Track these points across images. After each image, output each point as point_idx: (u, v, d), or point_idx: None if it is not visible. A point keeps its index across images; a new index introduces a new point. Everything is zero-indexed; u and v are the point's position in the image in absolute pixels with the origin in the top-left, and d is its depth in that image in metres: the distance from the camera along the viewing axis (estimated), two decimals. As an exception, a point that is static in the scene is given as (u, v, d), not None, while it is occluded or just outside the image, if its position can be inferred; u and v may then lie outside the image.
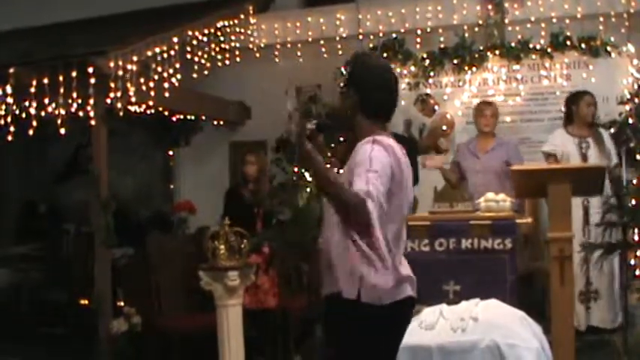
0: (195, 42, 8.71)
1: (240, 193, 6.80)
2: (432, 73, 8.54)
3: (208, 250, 5.38)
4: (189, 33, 8.51)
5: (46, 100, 7.05)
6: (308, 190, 7.71)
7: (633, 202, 6.29)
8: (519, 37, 8.51)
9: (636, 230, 6.28)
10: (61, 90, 6.95)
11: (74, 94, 7.00)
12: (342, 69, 3.12)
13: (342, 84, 3.11)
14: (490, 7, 8.71)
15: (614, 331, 6.81)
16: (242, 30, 9.75)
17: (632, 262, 6.57)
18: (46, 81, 7.00)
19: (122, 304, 7.24)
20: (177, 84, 8.10)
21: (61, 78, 6.95)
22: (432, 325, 5.03)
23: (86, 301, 8.08)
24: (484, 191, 6.54)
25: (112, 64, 7.01)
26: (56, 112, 7.08)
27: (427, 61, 8.55)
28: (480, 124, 7.36)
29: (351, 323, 2.96)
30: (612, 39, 8.15)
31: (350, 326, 2.97)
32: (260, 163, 7.08)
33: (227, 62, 9.60)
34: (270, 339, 6.84)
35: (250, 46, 9.82)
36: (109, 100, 7.12)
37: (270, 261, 6.70)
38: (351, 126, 3.09)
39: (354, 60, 3.22)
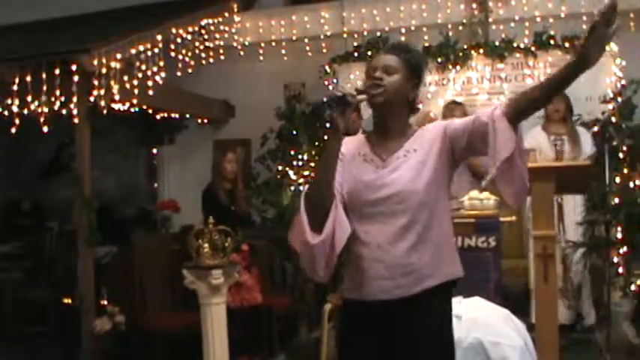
0: (179, 40, 8.70)
1: (217, 193, 6.77)
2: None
3: (192, 249, 5.36)
4: (173, 31, 8.49)
5: (29, 98, 7.01)
6: (292, 188, 7.72)
7: (616, 200, 6.31)
8: (503, 35, 8.54)
9: (619, 228, 6.31)
10: (44, 88, 6.92)
11: (57, 92, 6.96)
12: (395, 57, 2.99)
13: (401, 65, 2.97)
14: (474, 5, 8.74)
15: (590, 329, 6.86)
16: (226, 28, 9.74)
17: (615, 259, 6.60)
18: (28, 79, 6.97)
19: (106, 302, 7.21)
20: (161, 82, 8.07)
21: (44, 76, 6.92)
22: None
23: (69, 300, 8.04)
24: (459, 188, 6.55)
25: (95, 62, 6.98)
26: (39, 110, 7.04)
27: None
28: None
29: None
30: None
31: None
32: (239, 161, 7.05)
33: (211, 60, 9.59)
34: (254, 337, 6.83)
35: (234, 44, 9.81)
36: (92, 98, 7.08)
37: (252, 260, 6.68)
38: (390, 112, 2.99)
39: (413, 49, 3.13)
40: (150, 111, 9.05)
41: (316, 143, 8.24)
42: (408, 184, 2.84)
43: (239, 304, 6.46)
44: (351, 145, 3.04)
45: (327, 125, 2.87)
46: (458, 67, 8.54)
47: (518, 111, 2.75)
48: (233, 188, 6.84)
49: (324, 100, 2.83)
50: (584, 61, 2.66)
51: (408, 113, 3.03)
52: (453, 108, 7.37)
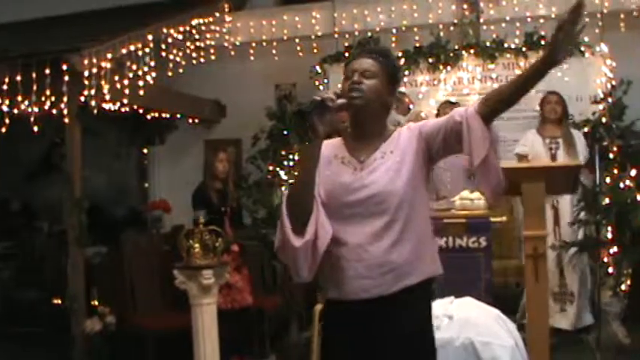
0: (170, 40, 8.69)
1: (208, 193, 6.75)
2: (407, 72, 8.57)
3: (183, 249, 5.36)
4: (164, 31, 8.49)
5: (19, 98, 6.99)
6: (283, 188, 7.72)
7: (607, 200, 6.32)
8: (494, 36, 8.56)
9: (609, 228, 6.32)
10: (35, 87, 6.90)
11: (48, 92, 6.94)
12: (373, 61, 3.03)
13: (380, 70, 2.99)
14: (465, 6, 8.75)
15: (585, 329, 6.85)
16: (217, 28, 9.73)
17: (605, 259, 6.61)
18: (19, 78, 6.95)
19: (96, 303, 7.19)
20: (151, 82, 8.07)
21: (34, 75, 6.90)
22: (406, 323, 5.03)
23: (59, 300, 8.02)
24: (453, 189, 6.58)
25: (86, 62, 6.97)
26: (29, 109, 7.03)
27: (402, 60, 8.57)
28: None
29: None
30: (586, 39, 8.20)
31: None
32: (230, 160, 7.04)
33: (202, 60, 9.58)
34: (245, 338, 6.82)
35: (225, 44, 9.81)
36: (83, 98, 7.07)
37: (243, 260, 6.67)
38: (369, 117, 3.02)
39: (391, 55, 3.14)
40: (140, 111, 9.03)
41: (307, 143, 8.25)
42: (386, 185, 2.87)
43: (229, 306, 6.45)
44: (327, 148, 3.06)
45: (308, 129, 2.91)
46: (449, 68, 8.57)
47: (491, 109, 2.81)
48: (224, 188, 6.83)
49: (302, 107, 2.87)
50: (551, 59, 2.74)
51: (385, 116, 3.06)
52: (446, 107, 7.40)
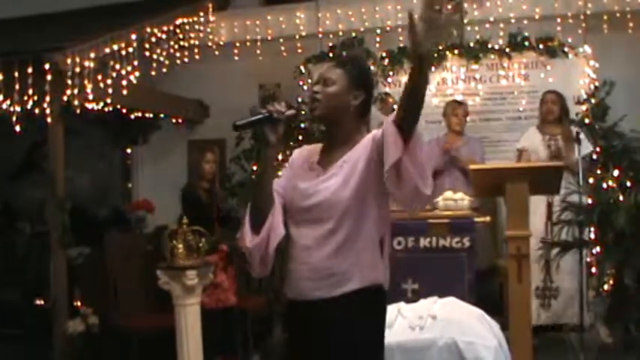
0: (153, 39, 8.65)
1: (196, 192, 6.74)
2: (391, 72, 8.58)
3: (166, 250, 5.34)
4: (148, 30, 8.45)
5: (1, 97, 6.95)
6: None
7: (589, 200, 6.35)
8: (478, 37, 8.57)
9: (592, 228, 6.35)
10: (17, 86, 6.86)
11: (30, 91, 6.90)
12: (335, 67, 3.04)
13: (341, 76, 3.01)
14: (449, 7, 8.76)
15: (572, 328, 6.87)
16: (201, 28, 9.70)
17: (588, 259, 6.64)
18: (0, 77, 6.90)
19: (79, 304, 7.16)
20: (135, 82, 8.03)
21: (16, 74, 6.86)
22: (390, 323, 5.02)
23: (42, 302, 7.99)
24: (451, 189, 6.62)
25: (68, 61, 6.94)
26: (11, 108, 6.98)
27: (386, 60, 8.58)
28: (452, 122, 7.46)
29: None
30: (569, 40, 8.25)
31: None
32: (217, 161, 7.03)
33: (186, 60, 9.54)
34: (228, 338, 6.80)
35: (209, 44, 9.78)
36: (65, 98, 7.03)
37: (228, 260, 6.66)
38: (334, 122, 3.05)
39: (358, 60, 3.21)
40: (124, 111, 8.98)
41: (291, 143, 8.21)
42: (333, 193, 2.93)
43: (214, 305, 6.44)
44: (304, 153, 3.19)
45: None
46: (433, 68, 8.56)
47: (402, 113, 2.78)
48: (211, 188, 6.82)
49: (244, 122, 3.04)
50: (415, 53, 2.66)
51: (354, 122, 3.07)
52: (455, 107, 7.48)
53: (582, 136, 6.84)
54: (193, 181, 6.81)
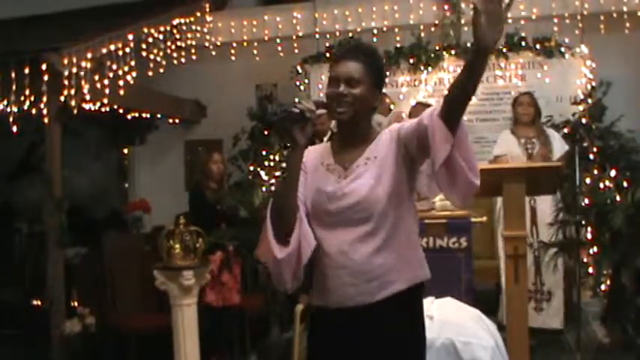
0: (150, 39, 8.65)
1: (204, 193, 6.76)
2: (387, 73, 8.57)
3: (163, 250, 5.34)
4: (145, 30, 8.45)
5: (-2, 97, 6.96)
6: (264, 188, 7.70)
7: (586, 201, 6.35)
8: (474, 37, 8.57)
9: (589, 229, 6.35)
10: (14, 87, 6.86)
11: (27, 92, 6.90)
12: (358, 64, 2.96)
13: (365, 74, 2.90)
14: (446, 7, 8.78)
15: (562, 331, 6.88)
16: (198, 28, 9.71)
17: (585, 260, 6.64)
18: (-3, 78, 6.91)
19: (76, 304, 7.15)
20: (132, 82, 8.03)
21: (13, 75, 6.86)
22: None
23: (39, 302, 7.98)
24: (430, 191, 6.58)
25: (65, 61, 6.93)
26: (8, 109, 6.98)
27: (383, 60, 8.57)
28: None
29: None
30: (566, 40, 8.27)
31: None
32: (224, 161, 7.06)
33: (183, 60, 9.55)
34: (226, 337, 6.81)
35: (206, 44, 9.79)
36: (62, 98, 7.03)
37: (227, 260, 6.66)
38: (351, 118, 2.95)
39: (377, 56, 3.05)
40: (121, 111, 8.99)
41: (287, 144, 8.24)
42: (368, 193, 2.83)
43: (219, 304, 6.47)
44: (314, 154, 3.05)
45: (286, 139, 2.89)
46: (430, 68, 8.59)
47: (449, 108, 2.68)
48: (219, 188, 6.84)
49: (279, 116, 2.83)
50: (479, 46, 2.54)
51: (370, 118, 3.03)
52: (419, 109, 7.41)
53: (554, 136, 6.88)
54: (201, 182, 6.83)
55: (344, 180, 2.91)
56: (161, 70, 8.98)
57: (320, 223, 2.91)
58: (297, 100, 2.93)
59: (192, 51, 9.67)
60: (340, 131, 3.05)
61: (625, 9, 8.33)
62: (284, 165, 8.45)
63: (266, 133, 9.04)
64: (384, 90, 3.11)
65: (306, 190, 2.95)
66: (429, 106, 7.38)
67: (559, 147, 6.93)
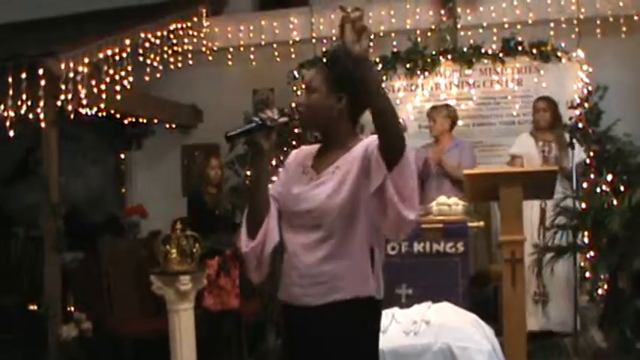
0: (147, 44, 8.64)
1: (203, 198, 6.77)
2: (384, 77, 8.57)
3: (160, 255, 5.34)
4: (142, 35, 8.45)
5: (-5, 102, 6.95)
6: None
7: (583, 205, 6.35)
8: (471, 41, 8.58)
9: (586, 233, 6.35)
10: (11, 91, 6.85)
11: (24, 96, 6.90)
12: (316, 73, 3.02)
13: (322, 82, 2.96)
14: (443, 12, 8.78)
15: (566, 335, 6.86)
16: (195, 33, 9.70)
17: (582, 264, 6.64)
18: (-5, 82, 6.90)
19: (72, 309, 7.14)
20: (129, 86, 8.03)
21: (10, 79, 6.85)
22: (384, 328, 5.01)
23: (35, 307, 7.96)
24: (437, 194, 6.60)
25: (62, 66, 6.93)
26: (5, 113, 6.98)
27: (380, 65, 8.57)
28: (430, 129, 7.42)
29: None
30: (562, 44, 8.27)
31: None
32: (222, 166, 7.06)
33: (179, 65, 9.54)
34: (224, 342, 6.80)
35: (203, 49, 9.78)
36: (59, 103, 7.03)
37: (224, 264, 6.66)
38: (322, 126, 3.03)
39: (339, 60, 2.98)
40: (118, 116, 8.99)
41: (285, 149, 8.22)
42: (324, 201, 2.89)
43: (217, 308, 6.47)
44: (301, 155, 3.14)
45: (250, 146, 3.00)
46: (426, 73, 8.59)
47: (379, 139, 2.71)
48: (218, 193, 6.85)
49: (236, 132, 2.97)
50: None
51: (345, 125, 3.01)
52: (429, 112, 7.42)
53: (576, 142, 6.86)
54: (200, 187, 6.84)
55: (311, 184, 2.98)
56: (158, 75, 8.98)
57: (287, 223, 3.03)
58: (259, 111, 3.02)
59: (189, 56, 9.67)
60: (321, 136, 3.13)
61: (621, 13, 8.33)
62: (280, 169, 8.45)
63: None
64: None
65: (282, 189, 3.06)
66: (434, 107, 7.42)
67: (577, 153, 6.89)
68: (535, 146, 7.04)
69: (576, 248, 6.27)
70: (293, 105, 3.02)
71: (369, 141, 2.89)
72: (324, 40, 9.23)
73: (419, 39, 8.77)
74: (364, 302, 2.93)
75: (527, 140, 7.15)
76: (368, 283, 2.94)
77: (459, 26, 8.76)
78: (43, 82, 6.87)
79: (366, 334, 3.00)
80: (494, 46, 8.48)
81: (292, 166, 3.10)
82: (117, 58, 7.79)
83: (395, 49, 8.75)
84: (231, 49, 9.77)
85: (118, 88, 7.81)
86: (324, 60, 3.13)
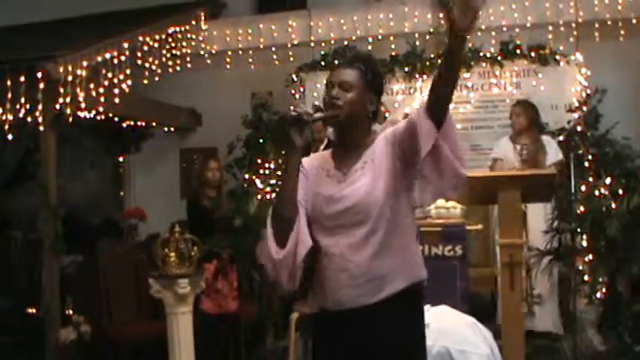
0: (146, 48, 8.66)
1: (201, 201, 6.76)
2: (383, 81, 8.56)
3: (158, 258, 5.33)
4: (140, 38, 8.46)
5: (-6, 105, 6.95)
6: (259, 197, 7.69)
7: (582, 208, 6.35)
8: (470, 44, 8.57)
9: (584, 236, 6.35)
10: (9, 95, 6.86)
11: (22, 99, 6.90)
12: (352, 70, 3.00)
13: (358, 80, 2.97)
14: (441, 15, 8.76)
15: (558, 337, 6.87)
16: (193, 36, 9.71)
17: (580, 267, 6.64)
18: (-7, 85, 6.91)
19: (71, 312, 7.14)
20: (127, 90, 8.04)
21: (9, 83, 6.86)
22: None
23: (34, 310, 7.96)
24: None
25: (61, 69, 6.94)
26: (4, 117, 6.98)
27: (380, 68, 8.56)
28: None
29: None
30: (561, 48, 8.28)
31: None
32: (221, 169, 7.05)
33: (178, 68, 9.55)
34: (223, 345, 6.80)
35: (201, 52, 9.79)
36: (58, 106, 7.03)
37: (222, 267, 6.65)
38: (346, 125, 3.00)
39: (372, 62, 3.11)
40: (116, 119, 9.00)
41: (283, 152, 8.25)
42: (364, 196, 2.87)
43: (215, 311, 6.46)
44: (315, 161, 3.10)
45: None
46: (425, 76, 8.59)
47: (433, 98, 2.73)
48: (217, 195, 6.84)
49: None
50: (454, 28, 2.66)
51: (369, 124, 3.05)
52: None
53: (551, 144, 6.90)
54: (198, 190, 6.83)
55: (342, 184, 2.95)
56: (156, 79, 8.99)
57: (320, 227, 2.95)
58: (294, 105, 2.96)
59: (188, 59, 9.68)
60: (338, 137, 3.09)
61: (619, 16, 8.34)
62: (279, 172, 8.46)
63: (261, 140, 9.05)
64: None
65: (306, 193, 2.99)
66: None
67: (553, 154, 6.97)
68: (513, 149, 7.06)
69: (575, 251, 6.27)
70: (325, 101, 2.94)
71: (387, 132, 2.96)
72: (323, 44, 9.24)
73: (417, 42, 8.79)
74: (414, 288, 2.94)
75: (506, 144, 7.18)
76: (418, 268, 2.98)
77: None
78: (41, 86, 6.88)
79: (417, 319, 3.02)
80: (492, 50, 8.49)
81: (312, 172, 3.05)
82: (115, 61, 7.80)
83: (393, 53, 8.76)
84: (229, 53, 9.78)
85: (116, 91, 7.81)
86: (353, 58, 3.09)
